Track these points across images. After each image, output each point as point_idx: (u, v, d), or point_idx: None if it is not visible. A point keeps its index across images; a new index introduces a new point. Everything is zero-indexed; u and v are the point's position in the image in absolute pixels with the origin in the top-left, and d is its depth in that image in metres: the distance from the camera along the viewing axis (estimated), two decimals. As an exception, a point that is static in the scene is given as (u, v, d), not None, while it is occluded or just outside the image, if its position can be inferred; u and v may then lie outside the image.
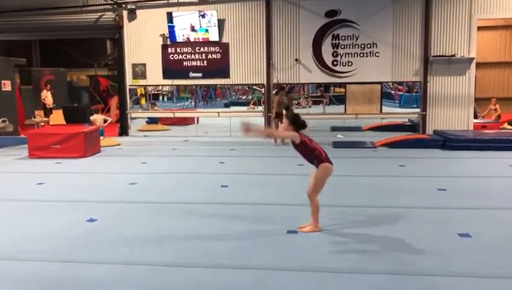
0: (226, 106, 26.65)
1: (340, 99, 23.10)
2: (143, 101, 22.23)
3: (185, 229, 5.08)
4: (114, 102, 16.51)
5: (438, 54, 12.49)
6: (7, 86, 15.03)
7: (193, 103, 28.86)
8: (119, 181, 7.66)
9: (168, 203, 6.21)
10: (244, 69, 13.37)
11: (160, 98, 30.38)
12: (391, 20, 12.62)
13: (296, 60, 13.07)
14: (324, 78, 13.22)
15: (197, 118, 16.76)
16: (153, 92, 28.81)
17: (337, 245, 4.50)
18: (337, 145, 11.22)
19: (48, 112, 17.31)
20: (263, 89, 17.51)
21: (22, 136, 13.12)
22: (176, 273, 3.90)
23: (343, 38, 12.83)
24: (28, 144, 10.28)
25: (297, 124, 4.81)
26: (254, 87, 27.07)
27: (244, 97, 31.92)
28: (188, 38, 13.34)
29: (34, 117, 16.19)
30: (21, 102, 16.37)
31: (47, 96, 17.51)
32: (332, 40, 12.87)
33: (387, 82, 20.06)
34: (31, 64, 19.47)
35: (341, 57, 12.89)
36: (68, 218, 5.52)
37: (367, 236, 4.77)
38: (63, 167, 9.08)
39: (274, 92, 12.92)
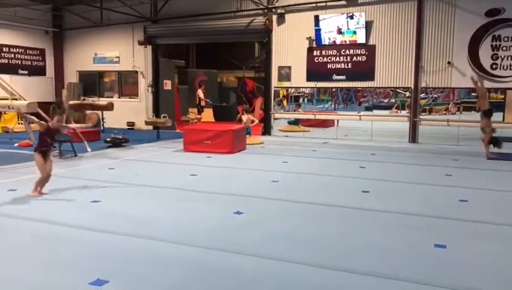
0: (367, 109, 26.02)
1: (497, 106, 20.94)
2: (285, 102, 22.88)
3: (328, 230, 5.13)
4: (258, 103, 17.32)
5: None
6: (168, 85, 16.82)
7: (333, 106, 28.84)
8: (262, 178, 8.05)
9: (309, 203, 6.31)
10: (391, 71, 12.92)
11: (301, 100, 30.90)
12: None
13: (449, 62, 12.23)
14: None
15: (337, 121, 16.72)
16: (294, 94, 29.52)
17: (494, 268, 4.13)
18: (491, 156, 10.23)
19: (200, 110, 18.90)
20: (407, 93, 16.78)
21: (178, 130, 14.53)
22: (318, 275, 3.95)
23: (505, 39, 11.62)
24: (184, 138, 11.36)
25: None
26: (398, 90, 26.01)
27: (386, 100, 30.80)
28: (334, 41, 13.37)
29: (188, 114, 17.79)
30: (178, 100, 18.15)
31: (201, 95, 19.13)
32: (492, 41, 11.75)
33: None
34: (188, 66, 21.38)
35: (502, 60, 11.70)
36: (218, 208, 5.99)
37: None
38: (212, 161, 9.85)
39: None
